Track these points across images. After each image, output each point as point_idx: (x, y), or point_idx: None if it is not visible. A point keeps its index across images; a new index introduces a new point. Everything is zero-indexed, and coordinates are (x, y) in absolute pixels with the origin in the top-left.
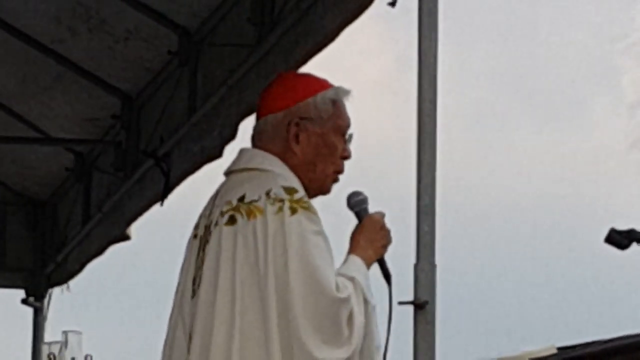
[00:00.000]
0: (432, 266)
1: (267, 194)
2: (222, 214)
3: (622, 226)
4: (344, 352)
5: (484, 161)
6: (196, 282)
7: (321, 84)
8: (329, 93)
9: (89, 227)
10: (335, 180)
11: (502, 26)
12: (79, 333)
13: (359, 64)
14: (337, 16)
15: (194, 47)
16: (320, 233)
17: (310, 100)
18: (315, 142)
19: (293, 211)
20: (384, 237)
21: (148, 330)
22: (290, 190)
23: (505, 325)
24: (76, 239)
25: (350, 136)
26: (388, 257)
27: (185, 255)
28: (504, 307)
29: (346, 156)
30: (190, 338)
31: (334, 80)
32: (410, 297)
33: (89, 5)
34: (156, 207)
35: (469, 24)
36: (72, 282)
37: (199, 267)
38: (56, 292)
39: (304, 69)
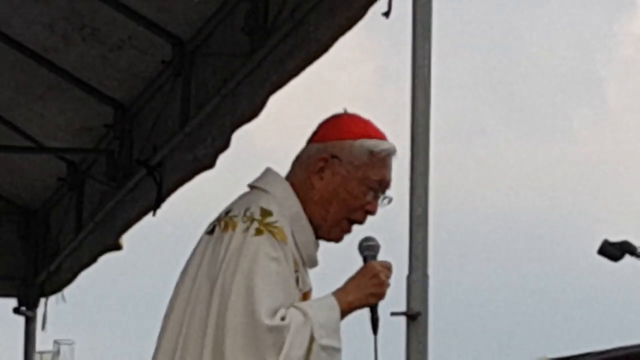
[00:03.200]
0: (425, 277)
1: (245, 210)
2: (210, 224)
3: (613, 237)
4: None
5: (469, 171)
6: None
7: (369, 132)
8: (369, 142)
9: (81, 236)
10: (348, 230)
11: (485, 37)
12: (71, 342)
13: (338, 74)
14: (330, 27)
15: (188, 56)
16: (277, 260)
17: (348, 142)
18: (337, 183)
19: (258, 232)
20: (373, 286)
21: (139, 339)
22: (265, 213)
23: (498, 336)
24: (68, 248)
25: (387, 199)
26: None
27: None
28: (497, 318)
29: (370, 210)
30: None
31: (314, 91)
32: (403, 308)
33: (82, 14)
34: (148, 217)
35: (452, 36)
36: (65, 292)
37: None
38: (49, 302)
39: (297, 80)
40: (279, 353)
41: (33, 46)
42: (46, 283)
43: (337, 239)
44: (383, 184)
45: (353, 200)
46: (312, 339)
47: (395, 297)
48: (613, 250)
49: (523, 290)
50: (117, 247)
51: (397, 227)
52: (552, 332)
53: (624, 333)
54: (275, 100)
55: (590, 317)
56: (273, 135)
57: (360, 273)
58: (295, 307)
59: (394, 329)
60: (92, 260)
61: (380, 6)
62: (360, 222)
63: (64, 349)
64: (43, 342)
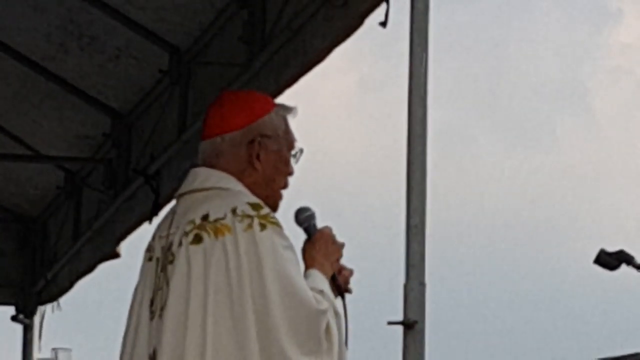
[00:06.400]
0: (422, 286)
1: (233, 211)
2: (185, 233)
3: (609, 247)
4: None
5: (459, 180)
6: (155, 304)
7: (270, 102)
8: (280, 110)
9: (79, 245)
10: (282, 196)
11: (472, 48)
12: (68, 350)
13: (322, 83)
14: (327, 36)
15: (185, 65)
16: (290, 247)
17: (266, 117)
18: (274, 159)
19: (262, 227)
20: (336, 251)
21: None
22: (256, 206)
23: (494, 345)
24: (66, 256)
25: (301, 151)
26: (378, 277)
27: (138, 279)
28: (493, 326)
29: (292, 172)
30: None
31: (298, 100)
32: (400, 317)
33: (80, 23)
34: (146, 225)
35: (438, 44)
36: (62, 300)
37: (158, 289)
38: (46, 310)
39: (293, 89)
40: (328, 335)
41: (31, 55)
42: (44, 291)
43: (278, 208)
44: (295, 142)
45: (288, 167)
46: (337, 315)
47: (392, 306)
48: (610, 260)
49: (519, 298)
50: (115, 255)
51: (394, 235)
52: (547, 340)
53: (625, 340)
54: None
55: (586, 326)
56: None
57: (321, 243)
58: (311, 288)
59: (391, 338)
60: (90, 268)
61: (376, 16)
62: (288, 186)
63: (61, 356)
64: (41, 349)
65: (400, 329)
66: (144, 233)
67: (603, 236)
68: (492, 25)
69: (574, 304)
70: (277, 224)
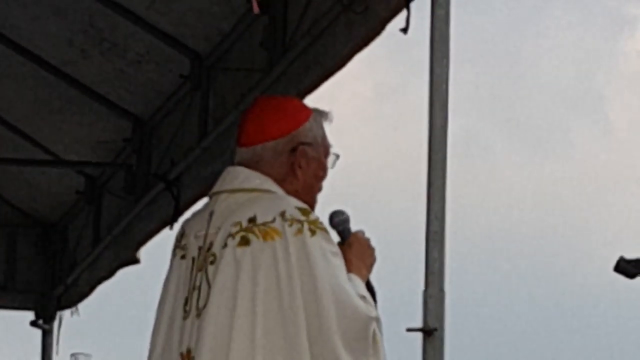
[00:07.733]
0: (441, 293)
1: (282, 215)
2: (231, 235)
3: (629, 255)
4: None
5: (474, 187)
6: (190, 303)
7: (306, 107)
8: (317, 117)
9: (98, 250)
10: (317, 201)
11: (486, 54)
12: (87, 355)
13: (338, 90)
14: (347, 42)
15: (206, 71)
16: (338, 254)
17: (307, 125)
18: (314, 166)
19: (312, 233)
20: (371, 255)
21: None
22: (305, 212)
23: (514, 353)
24: (86, 262)
25: (337, 157)
26: (397, 284)
27: (168, 276)
28: (513, 334)
29: (326, 177)
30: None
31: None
32: (419, 324)
33: (101, 28)
34: (166, 231)
35: (457, 54)
36: (81, 305)
37: (194, 288)
38: (65, 315)
39: (313, 95)
40: (375, 340)
41: (52, 60)
42: (63, 296)
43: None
44: (331, 147)
45: (325, 173)
46: (377, 320)
47: (411, 313)
48: (629, 268)
49: (538, 306)
50: (135, 260)
51: (413, 242)
52: (567, 348)
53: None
54: None
55: (606, 334)
56: None
57: (357, 247)
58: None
59: (410, 345)
60: (110, 273)
61: (396, 23)
62: (322, 190)
63: None
64: (59, 355)
65: (419, 335)
66: (164, 239)
67: (622, 244)
68: (508, 33)
69: (594, 312)
70: (325, 230)
